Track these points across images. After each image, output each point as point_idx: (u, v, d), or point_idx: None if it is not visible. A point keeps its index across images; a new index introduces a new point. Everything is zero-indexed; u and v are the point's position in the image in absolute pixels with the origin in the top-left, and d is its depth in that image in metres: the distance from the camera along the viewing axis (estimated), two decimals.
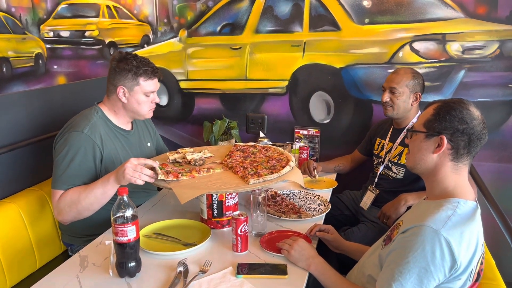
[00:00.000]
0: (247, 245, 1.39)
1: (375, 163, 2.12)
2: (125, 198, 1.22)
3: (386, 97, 1.93)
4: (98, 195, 1.47)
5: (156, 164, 1.46)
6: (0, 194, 1.72)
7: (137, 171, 1.39)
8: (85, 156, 1.55)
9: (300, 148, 2.24)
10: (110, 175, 1.46)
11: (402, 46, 2.21)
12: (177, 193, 1.37)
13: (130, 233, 1.21)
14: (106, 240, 1.44)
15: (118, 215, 1.21)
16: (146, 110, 1.68)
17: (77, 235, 1.72)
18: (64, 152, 1.53)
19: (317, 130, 2.44)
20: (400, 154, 1.97)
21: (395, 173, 1.97)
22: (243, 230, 1.35)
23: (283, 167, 1.55)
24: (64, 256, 1.82)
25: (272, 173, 1.49)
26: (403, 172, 1.94)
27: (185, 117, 2.71)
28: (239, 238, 1.35)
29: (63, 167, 1.52)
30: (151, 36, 2.63)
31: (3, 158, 1.74)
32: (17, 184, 1.80)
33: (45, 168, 1.83)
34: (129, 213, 1.21)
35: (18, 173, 1.81)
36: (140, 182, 1.41)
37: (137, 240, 1.24)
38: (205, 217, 1.54)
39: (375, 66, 2.27)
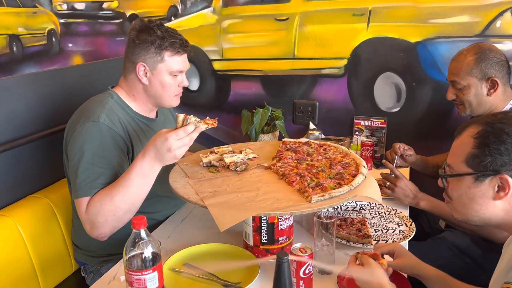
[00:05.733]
0: None
1: None
2: (143, 233, 0.95)
3: (451, 94, 1.67)
4: (138, 189, 1.27)
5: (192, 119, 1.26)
6: None
7: (180, 136, 1.19)
8: (107, 150, 1.36)
9: (363, 143, 1.95)
10: (143, 160, 1.26)
11: (501, 13, 1.93)
12: (215, 217, 1.14)
13: (150, 282, 0.95)
14: (121, 274, 1.19)
15: (133, 254, 0.94)
16: (172, 95, 1.50)
17: (93, 254, 1.55)
18: (79, 150, 1.34)
19: (383, 120, 2.20)
20: None
21: None
22: (307, 271, 1.07)
23: (353, 175, 1.30)
24: (76, 277, 1.64)
25: (339, 184, 1.25)
26: None
27: (220, 105, 2.56)
28: (301, 282, 1.07)
29: (82, 169, 1.32)
30: (179, 7, 2.49)
31: None
32: (14, 192, 1.59)
33: (52, 169, 1.68)
34: (148, 252, 0.95)
35: (16, 178, 1.60)
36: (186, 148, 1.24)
37: None
38: (251, 243, 1.29)
39: (463, 40, 2.01)
